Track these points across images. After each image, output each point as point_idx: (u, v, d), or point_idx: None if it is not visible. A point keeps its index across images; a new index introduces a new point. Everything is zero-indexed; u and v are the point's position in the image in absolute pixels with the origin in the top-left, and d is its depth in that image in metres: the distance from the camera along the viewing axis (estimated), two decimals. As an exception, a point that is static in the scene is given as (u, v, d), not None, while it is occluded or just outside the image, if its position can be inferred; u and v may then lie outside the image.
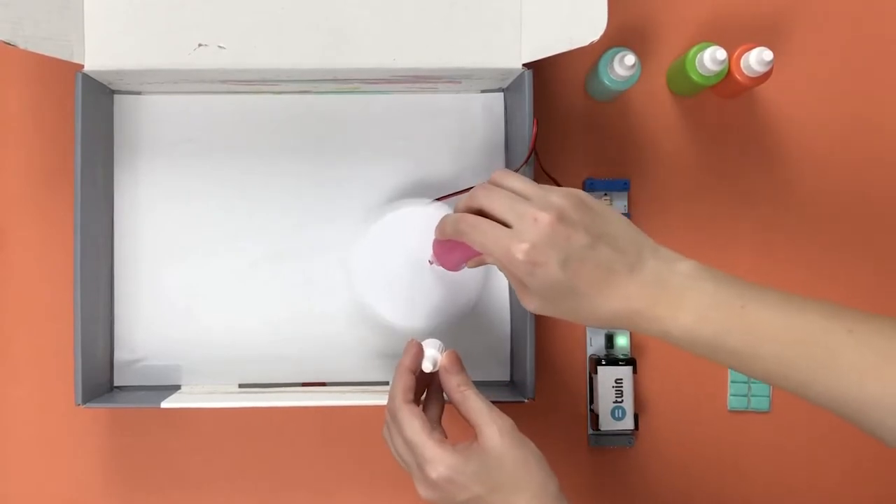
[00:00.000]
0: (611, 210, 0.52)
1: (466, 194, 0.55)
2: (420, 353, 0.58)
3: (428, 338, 0.60)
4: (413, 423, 0.54)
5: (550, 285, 0.50)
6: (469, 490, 0.53)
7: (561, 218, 0.49)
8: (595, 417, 0.73)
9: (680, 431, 0.75)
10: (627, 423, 0.73)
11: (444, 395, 0.58)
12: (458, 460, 0.53)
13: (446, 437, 0.55)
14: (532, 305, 0.52)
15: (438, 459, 0.53)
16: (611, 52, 0.69)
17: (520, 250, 0.49)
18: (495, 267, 0.70)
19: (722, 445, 0.75)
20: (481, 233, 0.52)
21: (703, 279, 0.50)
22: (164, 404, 0.65)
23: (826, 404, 0.49)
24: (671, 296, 0.49)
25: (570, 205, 0.50)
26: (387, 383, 0.71)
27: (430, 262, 0.64)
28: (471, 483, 0.52)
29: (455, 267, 0.61)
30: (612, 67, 0.69)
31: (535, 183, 0.52)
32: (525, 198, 0.51)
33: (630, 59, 0.67)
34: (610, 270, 0.50)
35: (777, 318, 0.49)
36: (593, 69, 0.72)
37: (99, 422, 0.73)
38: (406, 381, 0.56)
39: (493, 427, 0.54)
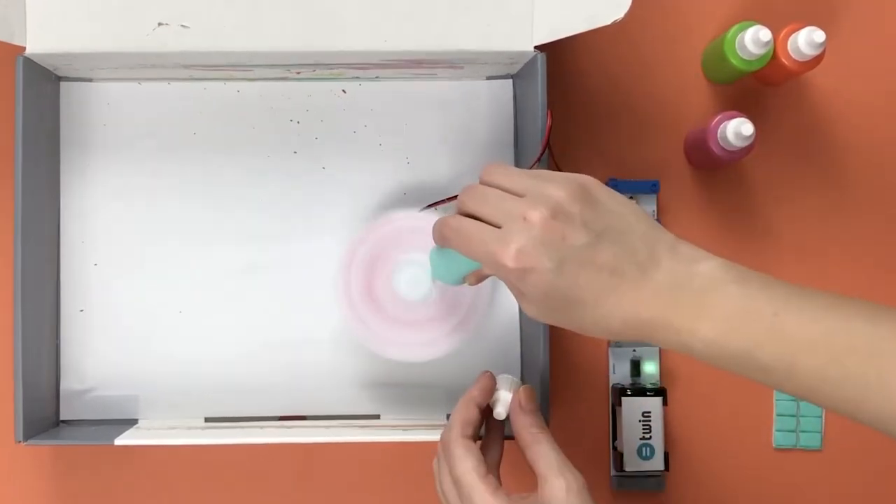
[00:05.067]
0: (619, 200, 0.48)
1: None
2: (491, 387, 0.56)
3: (502, 375, 0.57)
4: (466, 462, 0.52)
5: (546, 293, 0.46)
6: None
7: (556, 213, 0.46)
8: (619, 457, 0.70)
9: (718, 473, 0.72)
10: (657, 464, 0.70)
11: (513, 434, 0.56)
12: None
13: (500, 485, 0.52)
14: (531, 313, 0.50)
15: None
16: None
17: (507, 255, 0.46)
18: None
19: (767, 488, 0.73)
20: (465, 238, 0.49)
21: (729, 282, 0.46)
22: (119, 441, 0.63)
23: (881, 428, 0.45)
24: (690, 302, 0.46)
25: (569, 196, 0.47)
26: (377, 416, 0.70)
27: (433, 279, 0.62)
28: None
29: (455, 281, 0.58)
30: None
31: (530, 172, 0.50)
32: (518, 193, 0.48)
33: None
34: (615, 273, 0.46)
35: (816, 327, 0.45)
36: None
37: (43, 461, 0.70)
38: (468, 414, 0.55)
39: (560, 480, 0.51)
